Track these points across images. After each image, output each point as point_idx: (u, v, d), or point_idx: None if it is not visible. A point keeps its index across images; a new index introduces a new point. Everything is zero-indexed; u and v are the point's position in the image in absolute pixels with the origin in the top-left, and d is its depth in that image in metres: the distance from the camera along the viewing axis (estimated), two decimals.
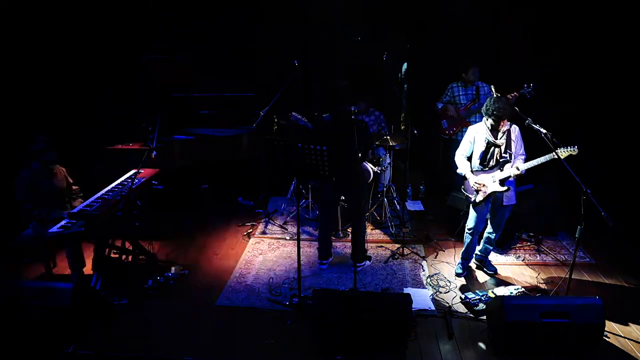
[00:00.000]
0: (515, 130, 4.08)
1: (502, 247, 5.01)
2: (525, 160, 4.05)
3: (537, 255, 4.90)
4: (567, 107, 5.85)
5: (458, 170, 4.28)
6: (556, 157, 3.73)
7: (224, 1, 6.37)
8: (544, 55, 5.90)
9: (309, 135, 5.10)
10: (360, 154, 4.26)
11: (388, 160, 5.74)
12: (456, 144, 5.29)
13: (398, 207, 5.81)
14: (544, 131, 3.73)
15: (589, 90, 5.85)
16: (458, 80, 5.61)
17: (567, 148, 3.72)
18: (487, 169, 4.14)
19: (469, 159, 4.25)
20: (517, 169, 3.96)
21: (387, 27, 6.35)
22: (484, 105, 4.01)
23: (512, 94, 4.99)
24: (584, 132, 5.76)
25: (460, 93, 5.56)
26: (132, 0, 6.05)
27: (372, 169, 5.06)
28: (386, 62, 5.30)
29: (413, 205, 6.21)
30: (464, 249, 4.45)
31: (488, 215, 4.32)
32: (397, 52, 6.66)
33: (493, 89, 5.18)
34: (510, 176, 4.01)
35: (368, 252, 4.84)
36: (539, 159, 3.89)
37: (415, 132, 4.89)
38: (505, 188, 4.06)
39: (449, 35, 6.24)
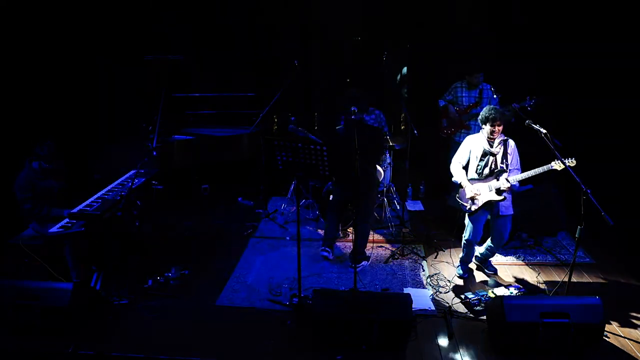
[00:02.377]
0: (511, 144, 4.13)
1: (503, 247, 5.00)
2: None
3: (537, 255, 4.91)
4: (567, 107, 5.86)
5: (453, 179, 4.30)
6: (553, 168, 3.76)
7: (224, 1, 6.37)
8: (545, 55, 5.90)
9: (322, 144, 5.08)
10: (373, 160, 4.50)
11: (388, 160, 5.75)
12: (454, 144, 5.30)
13: (398, 207, 5.81)
14: (544, 131, 3.74)
15: (590, 91, 5.85)
16: (460, 80, 5.58)
17: (565, 160, 3.72)
18: (482, 178, 4.16)
19: (465, 168, 4.28)
20: (507, 180, 3.99)
21: (387, 27, 6.35)
22: (480, 115, 4.09)
23: (514, 104, 5.01)
24: (583, 131, 5.78)
25: (464, 94, 5.53)
26: (133, 1, 6.06)
27: (382, 170, 5.15)
28: (386, 62, 5.29)
29: (413, 205, 6.21)
30: (462, 255, 4.46)
31: (487, 221, 4.32)
32: (397, 52, 6.67)
33: (493, 90, 5.20)
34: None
35: (368, 253, 4.84)
36: (535, 169, 3.89)
37: (415, 132, 4.89)
38: (501, 197, 4.06)
39: (449, 35, 6.24)
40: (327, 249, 4.75)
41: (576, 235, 3.48)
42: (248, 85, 6.35)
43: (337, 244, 5.13)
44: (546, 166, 3.82)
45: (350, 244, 5.07)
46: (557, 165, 3.74)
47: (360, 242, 4.65)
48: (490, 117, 3.99)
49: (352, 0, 6.23)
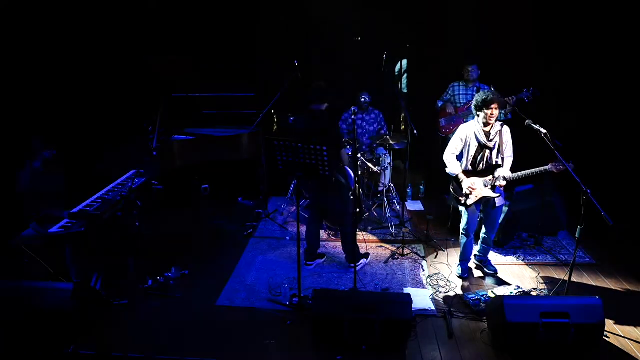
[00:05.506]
0: (507, 131, 4.06)
1: (502, 247, 5.01)
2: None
3: (537, 255, 4.90)
4: (568, 108, 5.86)
5: (448, 170, 4.22)
6: (549, 171, 3.76)
7: (224, 1, 6.37)
8: (548, 57, 5.89)
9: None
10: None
11: (388, 160, 5.75)
12: None
13: (398, 207, 5.81)
14: (544, 131, 3.73)
15: (591, 92, 5.84)
16: (459, 80, 5.62)
17: (567, 163, 3.72)
18: (477, 171, 4.13)
19: (459, 158, 4.22)
20: (504, 179, 3.97)
21: (387, 27, 6.35)
22: (473, 102, 3.98)
23: (510, 97, 5.00)
24: (584, 131, 5.78)
25: (461, 92, 5.59)
26: (132, 1, 6.06)
27: (350, 169, 4.81)
28: (386, 62, 5.30)
29: (413, 205, 6.21)
30: (460, 250, 4.46)
31: (481, 215, 4.32)
32: (397, 52, 6.67)
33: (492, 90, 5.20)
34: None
35: (368, 252, 4.83)
36: (532, 170, 3.89)
37: (415, 132, 4.89)
38: (497, 194, 4.06)
39: (449, 35, 6.25)
40: (309, 262, 4.68)
41: (576, 235, 3.48)
42: (248, 85, 6.35)
43: (329, 244, 5.16)
44: (542, 168, 3.83)
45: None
46: (553, 168, 3.76)
47: (351, 246, 4.45)
48: (487, 99, 3.82)
49: (352, 0, 6.23)
